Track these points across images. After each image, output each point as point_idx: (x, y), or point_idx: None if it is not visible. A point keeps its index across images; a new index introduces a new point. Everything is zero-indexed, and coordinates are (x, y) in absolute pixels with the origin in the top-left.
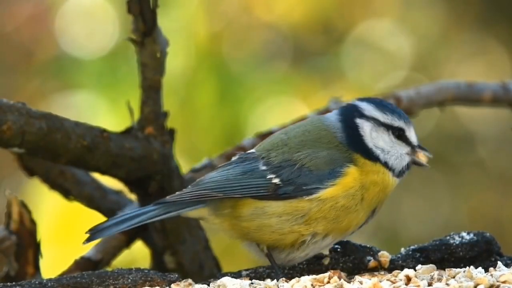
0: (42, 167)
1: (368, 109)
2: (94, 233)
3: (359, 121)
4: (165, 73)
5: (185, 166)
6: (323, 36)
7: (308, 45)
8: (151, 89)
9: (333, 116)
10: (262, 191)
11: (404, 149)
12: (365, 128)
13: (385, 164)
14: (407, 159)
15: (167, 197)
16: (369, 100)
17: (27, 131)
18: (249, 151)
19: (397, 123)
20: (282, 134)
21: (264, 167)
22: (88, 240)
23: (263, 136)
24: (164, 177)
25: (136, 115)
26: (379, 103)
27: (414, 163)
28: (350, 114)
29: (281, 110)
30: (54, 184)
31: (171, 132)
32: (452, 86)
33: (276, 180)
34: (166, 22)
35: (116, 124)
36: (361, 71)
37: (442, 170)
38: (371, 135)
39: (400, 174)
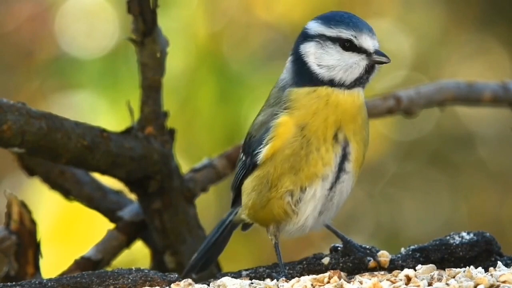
0: (42, 167)
1: (313, 26)
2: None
3: (302, 46)
4: (165, 73)
5: (185, 166)
6: None
7: None
8: (151, 89)
9: (288, 60)
10: (243, 171)
11: (355, 58)
12: (308, 49)
13: (331, 82)
14: (361, 65)
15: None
16: (319, 17)
17: (27, 131)
18: None
19: (345, 33)
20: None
21: (241, 149)
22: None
23: None
24: (164, 177)
25: (136, 115)
26: (327, 17)
27: (374, 63)
28: (297, 43)
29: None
30: (54, 184)
31: (171, 132)
32: (452, 86)
33: (243, 157)
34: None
35: (116, 124)
36: None
37: (442, 170)
38: (315, 55)
39: (355, 83)
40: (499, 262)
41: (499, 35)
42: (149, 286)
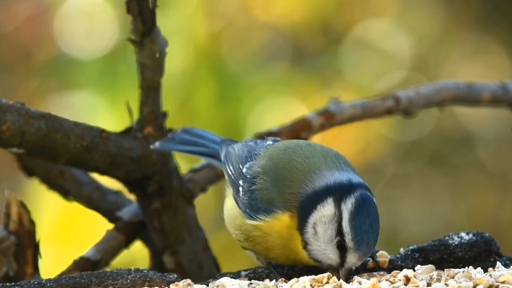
0: (41, 168)
1: (345, 214)
2: (168, 141)
3: (325, 202)
4: (164, 73)
5: (184, 166)
6: (322, 36)
7: (307, 45)
8: (150, 89)
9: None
10: (234, 189)
11: (334, 251)
12: (322, 213)
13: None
14: (330, 260)
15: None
16: (359, 205)
17: (26, 131)
18: (269, 141)
19: (347, 237)
20: (283, 147)
21: (244, 170)
22: (157, 147)
23: (262, 136)
24: (163, 177)
25: (135, 115)
26: (362, 217)
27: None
28: (330, 191)
29: (280, 110)
30: (53, 184)
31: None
32: (451, 86)
33: (241, 189)
34: (165, 22)
35: (115, 124)
36: (360, 71)
37: (442, 170)
38: (315, 226)
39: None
40: (498, 263)
41: (498, 35)
42: (148, 286)
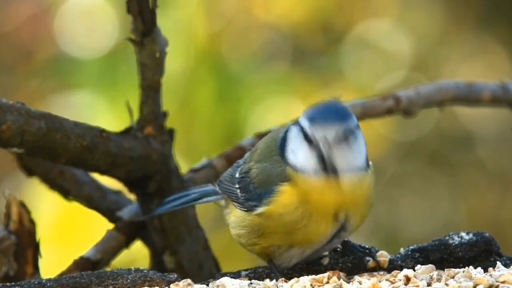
0: (41, 167)
1: (304, 114)
2: (158, 207)
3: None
4: (164, 73)
5: (184, 166)
6: (322, 36)
7: (307, 45)
8: (151, 89)
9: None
10: (233, 197)
11: (308, 147)
12: (291, 134)
13: (297, 169)
14: (314, 156)
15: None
16: (315, 106)
17: (26, 131)
18: (248, 152)
19: (306, 125)
20: (261, 142)
21: (237, 175)
22: (151, 213)
23: (262, 136)
24: (163, 177)
25: (136, 115)
26: (320, 110)
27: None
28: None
29: (281, 110)
30: (54, 184)
31: (171, 132)
32: (452, 86)
33: (238, 191)
34: (165, 22)
35: (116, 124)
36: (360, 71)
37: (442, 170)
38: (291, 141)
39: (318, 173)
40: (498, 263)
41: (498, 35)
42: (148, 286)
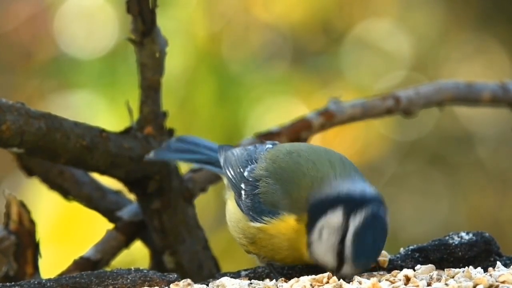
0: (41, 167)
1: (352, 227)
2: (163, 150)
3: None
4: (164, 73)
5: (184, 166)
6: (322, 36)
7: (307, 45)
8: (150, 89)
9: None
10: (236, 192)
11: (332, 257)
12: (330, 220)
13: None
14: (328, 263)
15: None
16: (369, 218)
17: (26, 131)
18: (269, 144)
19: (347, 254)
20: (286, 151)
21: (246, 173)
22: (152, 157)
23: (262, 136)
24: (163, 177)
25: (135, 115)
26: (367, 234)
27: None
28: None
29: (280, 110)
30: (53, 184)
31: (170, 132)
32: (451, 86)
33: (243, 192)
34: (165, 22)
35: (115, 124)
36: (360, 71)
37: (442, 170)
38: (321, 231)
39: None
40: (498, 262)
41: (498, 35)
42: (148, 286)
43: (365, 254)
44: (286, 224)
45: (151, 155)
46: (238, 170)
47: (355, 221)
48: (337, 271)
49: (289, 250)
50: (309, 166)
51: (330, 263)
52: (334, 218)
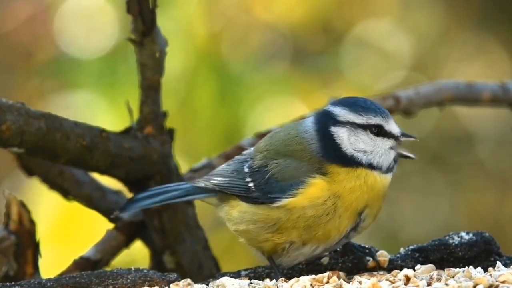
0: (41, 167)
1: (342, 113)
2: (129, 204)
3: (334, 129)
4: (164, 73)
5: (184, 166)
6: (322, 36)
7: (307, 45)
8: (150, 89)
9: (308, 125)
10: (242, 192)
11: (387, 143)
12: (342, 135)
13: (370, 166)
14: (392, 152)
15: (196, 180)
16: (342, 103)
17: (26, 131)
18: (247, 150)
19: (374, 120)
20: (269, 137)
21: (246, 169)
22: (122, 210)
23: (262, 136)
24: (163, 177)
25: (135, 115)
26: (352, 104)
27: (400, 156)
28: (324, 122)
29: (280, 110)
30: (53, 184)
31: (170, 132)
32: (452, 86)
33: (251, 184)
34: (165, 22)
35: (116, 124)
36: (360, 71)
37: (442, 170)
38: (349, 140)
39: (389, 169)
40: (498, 262)
41: (499, 34)
42: (148, 286)
43: (383, 110)
44: (317, 187)
45: (121, 214)
46: (233, 174)
47: (345, 110)
48: (399, 136)
49: (330, 214)
50: (292, 132)
51: (387, 139)
52: (342, 131)
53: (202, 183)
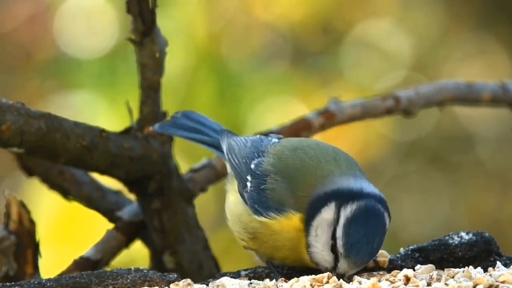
0: (41, 167)
1: (342, 219)
2: (166, 125)
3: (323, 208)
4: (164, 73)
5: (184, 166)
6: (322, 36)
7: (307, 45)
8: (150, 89)
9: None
10: (241, 183)
11: (329, 255)
12: (323, 217)
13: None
14: (328, 267)
15: (227, 134)
16: (354, 216)
17: (26, 131)
18: (274, 138)
19: (340, 246)
20: (290, 144)
21: (253, 166)
22: (156, 129)
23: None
24: (163, 177)
25: (135, 115)
26: (352, 236)
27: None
28: (331, 194)
29: (280, 110)
30: (53, 184)
31: None
32: (451, 86)
33: (249, 184)
34: (165, 22)
35: (115, 124)
36: (360, 71)
37: (442, 170)
38: (316, 229)
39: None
40: (498, 262)
41: (498, 35)
42: (148, 286)
43: (357, 247)
44: (290, 222)
45: (156, 127)
46: (244, 160)
47: (346, 213)
48: (334, 269)
49: (290, 250)
50: (314, 164)
51: (327, 262)
52: (327, 213)
53: (224, 146)
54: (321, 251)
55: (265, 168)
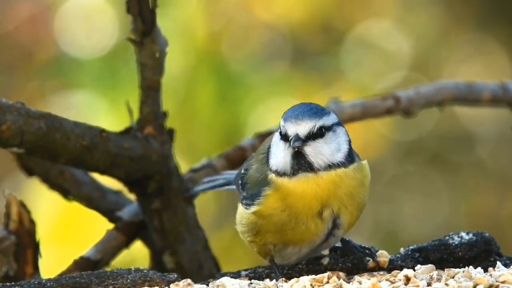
0: (41, 167)
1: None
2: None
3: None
4: (164, 73)
5: (184, 166)
6: (322, 36)
7: (307, 45)
8: (151, 89)
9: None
10: (238, 191)
11: (282, 146)
12: (272, 145)
13: (276, 172)
14: (288, 153)
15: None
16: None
17: (26, 131)
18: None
19: (282, 124)
20: (264, 142)
21: (242, 170)
22: (190, 193)
23: (262, 136)
24: (163, 177)
25: (135, 115)
26: (286, 112)
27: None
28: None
29: (281, 110)
30: (53, 184)
31: (171, 132)
32: (451, 86)
33: (240, 187)
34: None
35: (115, 124)
36: (360, 71)
37: (442, 170)
38: (271, 150)
39: (295, 171)
40: (498, 262)
41: (498, 35)
42: (148, 286)
43: (293, 109)
44: (271, 199)
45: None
46: (238, 172)
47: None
48: (289, 142)
49: (293, 222)
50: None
51: (284, 152)
52: (275, 136)
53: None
54: (280, 157)
55: (248, 164)
